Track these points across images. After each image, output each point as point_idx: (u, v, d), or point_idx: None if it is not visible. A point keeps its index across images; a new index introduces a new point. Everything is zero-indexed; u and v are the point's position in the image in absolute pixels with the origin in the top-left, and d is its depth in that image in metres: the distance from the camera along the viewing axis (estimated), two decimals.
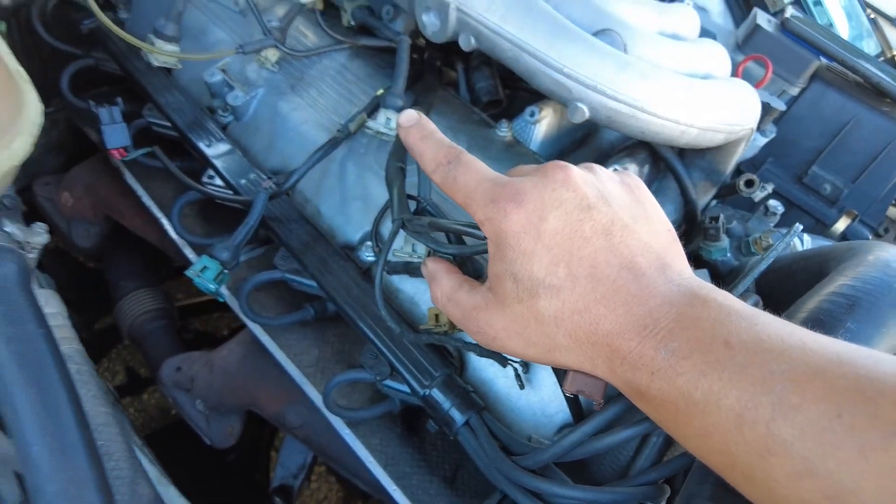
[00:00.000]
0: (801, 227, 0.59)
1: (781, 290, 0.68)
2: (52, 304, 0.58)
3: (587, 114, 0.69)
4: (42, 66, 1.09)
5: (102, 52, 0.93)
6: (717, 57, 0.81)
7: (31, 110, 0.51)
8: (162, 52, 0.80)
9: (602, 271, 0.40)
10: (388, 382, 0.64)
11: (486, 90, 0.90)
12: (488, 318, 0.45)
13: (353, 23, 0.92)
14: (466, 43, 0.75)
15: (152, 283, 1.14)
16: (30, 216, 1.22)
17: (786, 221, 1.20)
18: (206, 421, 0.88)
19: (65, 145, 1.21)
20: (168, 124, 0.84)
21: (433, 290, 0.51)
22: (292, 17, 0.86)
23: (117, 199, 1.00)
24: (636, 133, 0.71)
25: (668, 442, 0.56)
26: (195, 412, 0.88)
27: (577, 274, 0.40)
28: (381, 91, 0.81)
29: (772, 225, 0.83)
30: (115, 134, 0.76)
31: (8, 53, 0.55)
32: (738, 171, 1.02)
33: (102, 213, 1.06)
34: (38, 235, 0.60)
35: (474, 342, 0.59)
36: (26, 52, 1.08)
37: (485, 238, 0.45)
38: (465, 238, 0.56)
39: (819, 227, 1.17)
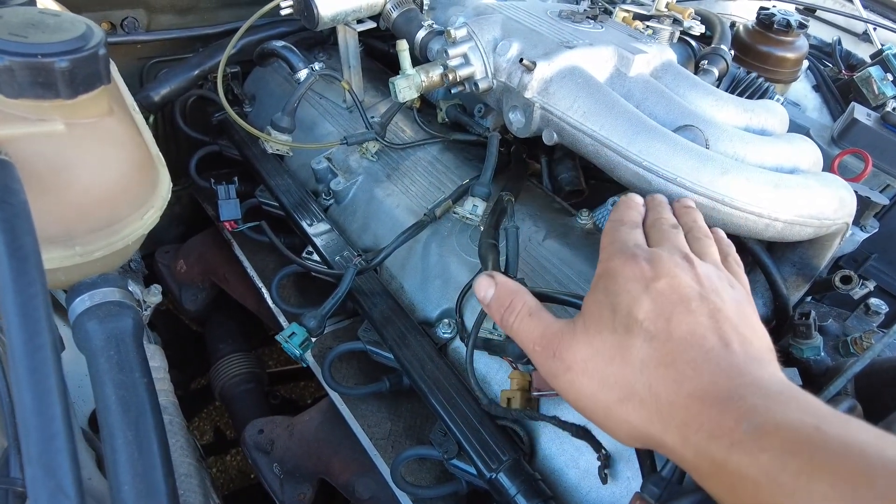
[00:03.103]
0: (884, 307, 0.56)
1: (886, 396, 0.63)
2: (156, 359, 0.65)
3: None
4: (177, 150, 1.26)
5: (227, 141, 1.06)
6: (805, 151, 0.80)
7: (164, 188, 0.60)
8: (276, 141, 0.91)
9: (698, 339, 0.41)
10: (455, 462, 0.64)
11: (568, 180, 0.94)
12: (571, 344, 0.45)
13: (447, 119, 1.01)
14: (549, 138, 0.79)
15: (247, 349, 1.22)
16: (149, 279, 1.38)
17: None
18: (280, 485, 0.91)
19: (185, 218, 1.37)
20: (276, 204, 0.94)
21: (513, 301, 0.51)
22: (393, 115, 0.95)
23: (224, 268, 1.10)
24: (719, 225, 0.71)
25: None
26: (271, 475, 0.91)
27: (674, 331, 0.41)
28: (467, 181, 0.86)
29: (875, 325, 0.78)
30: (229, 208, 0.86)
31: (151, 141, 0.65)
32: (837, 266, 0.97)
33: (210, 280, 1.17)
34: (154, 296, 0.69)
35: (563, 420, 0.60)
36: (166, 139, 1.26)
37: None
38: None
39: None
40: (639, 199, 0.61)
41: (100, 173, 0.56)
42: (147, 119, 1.05)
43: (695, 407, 0.38)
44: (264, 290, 0.94)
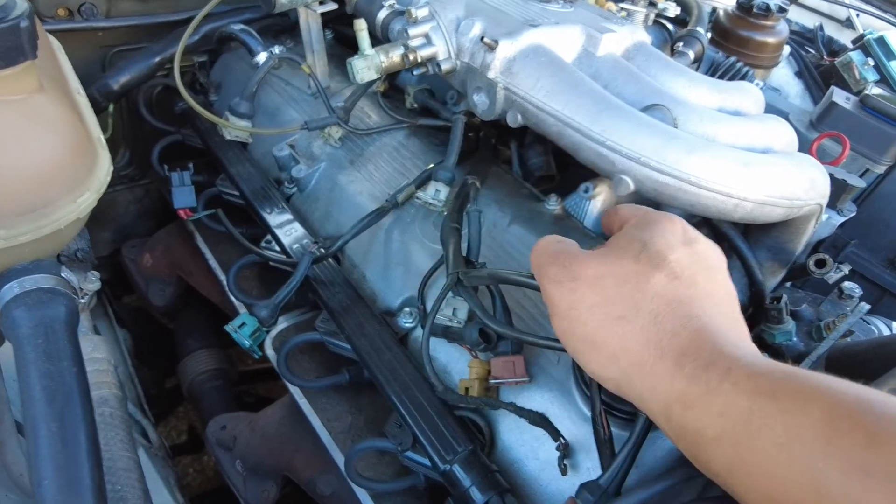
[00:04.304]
0: (867, 307, 0.53)
1: (859, 380, 0.60)
2: (100, 350, 0.62)
3: (632, 186, 0.68)
4: (144, 141, 1.23)
5: (191, 130, 1.03)
6: (779, 132, 0.78)
7: (102, 171, 0.58)
8: (234, 127, 0.88)
9: (715, 300, 0.44)
10: (410, 454, 0.62)
11: (537, 166, 0.91)
12: (585, 259, 0.46)
13: (415, 105, 0.98)
14: (514, 119, 0.77)
15: (216, 345, 1.19)
16: (116, 274, 1.34)
17: (880, 311, 1.09)
18: (243, 482, 0.88)
19: (155, 212, 1.34)
20: (237, 193, 0.91)
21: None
22: (357, 99, 0.92)
23: (188, 260, 1.07)
24: (687, 207, 0.69)
25: None
26: (234, 472, 0.89)
27: (699, 283, 0.44)
28: (431, 165, 0.84)
29: (848, 309, 0.75)
30: (183, 195, 0.83)
31: (94, 123, 0.62)
32: (817, 252, 0.95)
33: (176, 273, 1.14)
34: (92, 283, 0.66)
35: (520, 407, 0.59)
36: (132, 129, 1.23)
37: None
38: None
39: None
40: None
41: (26, 153, 0.53)
42: (107, 108, 1.02)
43: (698, 340, 0.40)
44: (225, 281, 0.90)
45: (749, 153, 0.69)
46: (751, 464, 0.34)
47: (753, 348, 0.41)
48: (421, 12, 0.78)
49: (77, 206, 0.55)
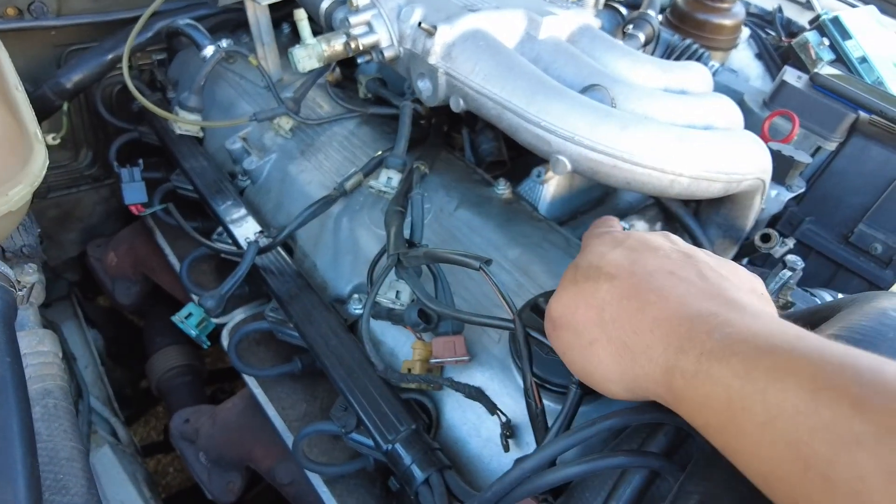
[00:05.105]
0: (788, 273, 0.54)
1: None
2: (46, 344, 0.62)
3: (569, 166, 0.69)
4: (105, 139, 1.23)
5: (147, 127, 1.03)
6: (721, 109, 0.79)
7: (36, 165, 0.58)
8: (183, 121, 0.88)
9: (665, 272, 0.42)
10: (355, 436, 0.62)
11: (488, 151, 0.92)
12: (550, 304, 0.47)
13: (368, 94, 0.98)
14: (456, 105, 0.77)
15: (183, 341, 1.19)
16: (82, 273, 1.34)
17: (835, 286, 1.11)
18: (207, 474, 0.89)
19: (122, 212, 1.33)
20: (191, 187, 0.91)
21: None
22: (306, 89, 0.93)
23: (152, 258, 1.08)
24: (622, 184, 0.70)
25: (650, 482, 0.49)
26: (198, 465, 0.89)
27: (637, 270, 0.42)
28: (379, 153, 0.84)
29: (793, 281, 0.76)
30: (133, 191, 0.83)
31: (31, 117, 0.63)
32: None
33: (141, 271, 1.14)
34: (29, 275, 0.66)
35: (456, 381, 0.60)
36: (93, 128, 1.23)
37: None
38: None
39: (874, 291, 1.06)
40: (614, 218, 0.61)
41: None
42: (61, 106, 1.02)
43: (661, 329, 0.38)
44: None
45: (684, 129, 0.70)
46: (738, 448, 0.33)
47: (730, 300, 0.39)
48: (362, 0, 0.78)
49: (8, 200, 0.55)
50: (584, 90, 0.74)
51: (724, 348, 0.34)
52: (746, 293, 0.42)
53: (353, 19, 0.78)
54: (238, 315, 0.85)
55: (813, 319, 0.60)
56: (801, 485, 0.29)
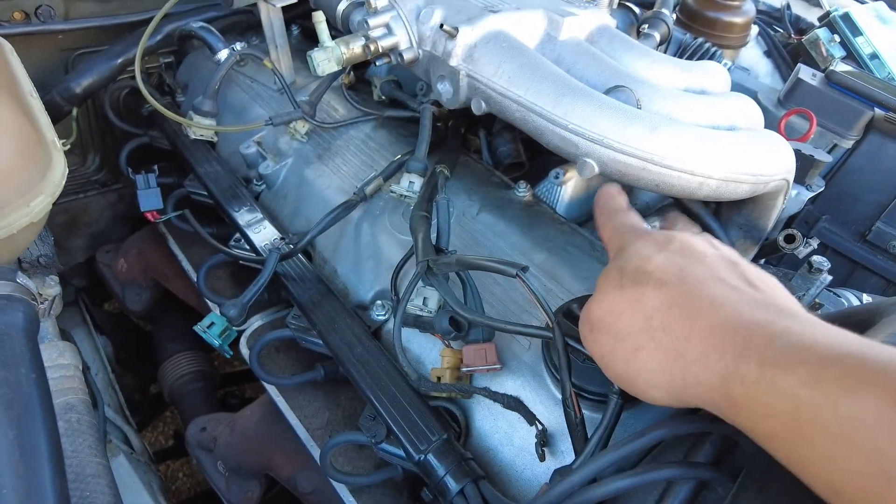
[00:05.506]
0: (829, 278, 0.54)
1: None
2: (66, 357, 0.61)
3: (596, 169, 0.68)
4: (113, 144, 1.22)
5: (157, 131, 1.02)
6: (743, 109, 0.78)
7: (56, 174, 0.56)
8: (198, 126, 0.87)
9: (716, 281, 0.40)
10: (385, 446, 0.61)
11: (506, 153, 0.91)
12: (588, 306, 0.46)
13: (383, 97, 0.97)
14: (478, 107, 0.76)
15: (195, 347, 1.18)
16: (91, 280, 1.33)
17: (853, 284, 1.10)
18: (225, 483, 0.88)
19: (130, 217, 1.32)
20: (205, 193, 0.90)
21: None
22: (322, 92, 0.91)
23: (163, 264, 1.06)
24: (651, 187, 0.69)
25: (696, 493, 0.49)
26: (216, 473, 0.88)
27: (687, 277, 0.41)
28: (398, 157, 0.83)
29: (818, 282, 0.76)
30: (149, 198, 0.82)
31: (48, 126, 0.61)
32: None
33: (151, 278, 1.12)
34: (51, 288, 0.65)
35: (494, 391, 0.59)
36: (101, 133, 1.21)
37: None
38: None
39: (893, 289, 1.06)
40: (617, 186, 0.60)
41: None
42: (70, 112, 1.00)
43: (715, 337, 0.37)
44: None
45: (712, 131, 0.69)
46: (805, 460, 0.32)
47: (782, 308, 0.38)
48: (381, 2, 0.77)
49: (30, 210, 0.54)
50: (609, 91, 0.73)
51: (787, 356, 0.33)
52: (792, 301, 0.42)
53: (371, 21, 0.77)
54: (256, 322, 0.84)
55: (850, 323, 0.59)
56: (881, 498, 0.29)
